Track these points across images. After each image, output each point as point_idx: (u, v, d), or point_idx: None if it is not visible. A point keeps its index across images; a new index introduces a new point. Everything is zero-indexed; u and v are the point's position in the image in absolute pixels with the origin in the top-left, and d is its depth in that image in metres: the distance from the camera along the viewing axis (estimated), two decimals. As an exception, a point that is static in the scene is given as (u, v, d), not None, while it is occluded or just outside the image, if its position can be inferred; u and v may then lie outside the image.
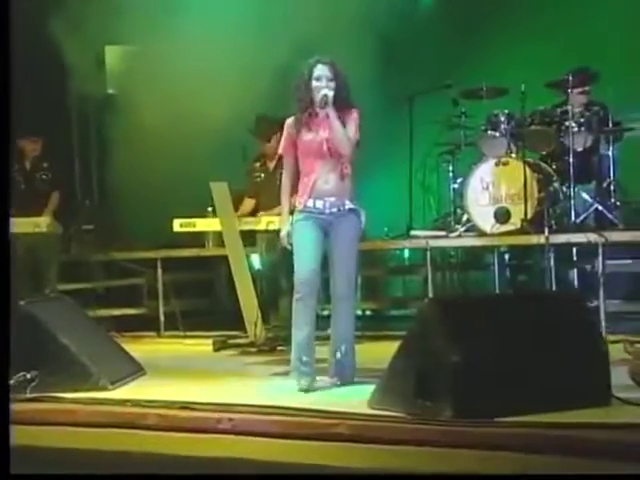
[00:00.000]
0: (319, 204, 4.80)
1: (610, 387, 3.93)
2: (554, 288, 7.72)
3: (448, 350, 3.71)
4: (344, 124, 4.76)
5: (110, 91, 9.12)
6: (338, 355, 4.90)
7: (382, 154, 8.96)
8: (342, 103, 4.78)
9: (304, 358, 4.82)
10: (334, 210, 4.81)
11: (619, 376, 4.25)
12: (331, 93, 4.73)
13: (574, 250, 7.72)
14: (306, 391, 4.72)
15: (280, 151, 5.04)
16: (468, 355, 3.72)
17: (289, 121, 4.92)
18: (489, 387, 3.74)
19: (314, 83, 4.79)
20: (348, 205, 4.84)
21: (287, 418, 3.99)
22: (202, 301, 8.79)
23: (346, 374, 4.89)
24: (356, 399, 4.30)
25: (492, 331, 3.81)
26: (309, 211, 4.82)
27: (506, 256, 8.84)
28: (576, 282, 7.87)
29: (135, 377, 5.19)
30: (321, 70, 4.79)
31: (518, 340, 3.83)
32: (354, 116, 4.81)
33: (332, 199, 4.80)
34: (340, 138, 4.73)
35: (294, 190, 4.97)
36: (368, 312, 8.41)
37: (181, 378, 5.34)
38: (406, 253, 8.71)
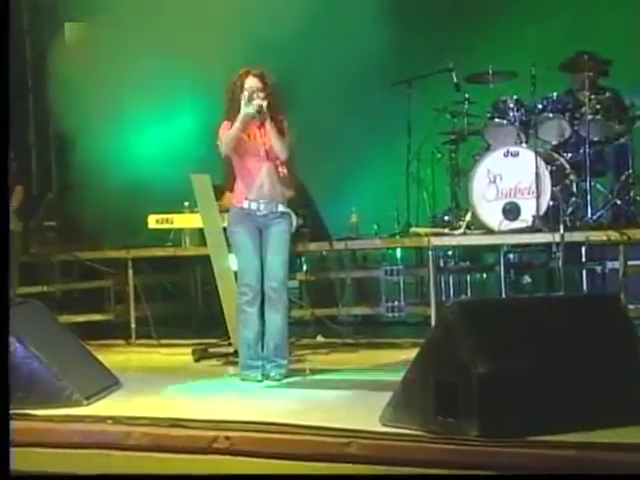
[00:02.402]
0: (254, 206, 5.52)
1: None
2: (562, 291, 7.74)
3: (474, 361, 3.63)
4: (280, 131, 5.46)
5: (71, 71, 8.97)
6: (274, 350, 5.55)
7: (370, 147, 8.95)
8: (273, 112, 5.45)
9: (253, 357, 5.53)
10: (267, 212, 5.53)
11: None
12: (264, 103, 5.41)
13: (582, 249, 7.69)
14: (259, 381, 5.47)
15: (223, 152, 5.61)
16: (496, 367, 3.64)
17: (225, 125, 5.52)
18: (519, 403, 3.67)
19: (246, 94, 5.45)
20: (281, 208, 5.55)
21: (292, 437, 3.91)
22: (178, 305, 8.66)
23: (282, 367, 5.55)
24: (362, 413, 4.22)
25: (523, 340, 3.74)
26: (245, 212, 5.53)
27: (511, 256, 8.83)
28: (585, 284, 7.85)
29: (111, 391, 5.08)
30: (252, 81, 5.47)
31: (551, 350, 3.76)
32: (284, 122, 5.51)
33: (266, 201, 5.52)
34: (279, 146, 5.48)
35: (230, 189, 5.73)
36: (360, 317, 8.34)
37: (162, 391, 5.23)
38: (398, 253, 8.65)
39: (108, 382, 5.14)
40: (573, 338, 3.79)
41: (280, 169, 5.57)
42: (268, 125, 5.44)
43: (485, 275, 8.59)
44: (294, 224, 5.67)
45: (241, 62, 8.07)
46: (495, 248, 7.89)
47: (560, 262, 8.10)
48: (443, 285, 8.35)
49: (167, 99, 7.95)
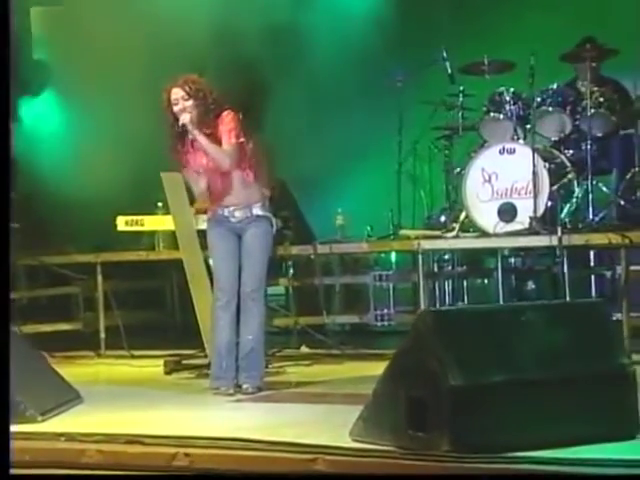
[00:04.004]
0: (226, 212, 5.73)
1: (637, 417, 3.96)
2: (568, 297, 7.82)
3: (445, 372, 3.72)
4: (219, 137, 5.57)
5: (36, 57, 9.08)
6: (247, 359, 5.68)
7: (364, 143, 9.04)
8: (209, 116, 5.59)
9: (224, 366, 5.65)
10: (242, 218, 5.71)
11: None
12: (188, 117, 5.54)
13: (591, 253, 7.77)
14: (231, 394, 5.56)
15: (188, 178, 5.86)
16: (469, 379, 3.72)
17: (171, 146, 5.72)
18: (494, 416, 3.76)
19: (174, 108, 5.60)
20: (257, 212, 5.71)
21: (255, 453, 4.00)
22: (151, 314, 8.78)
23: (255, 378, 5.69)
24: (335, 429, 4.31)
25: (499, 350, 3.83)
26: (219, 220, 5.75)
27: (512, 260, 8.92)
28: (594, 290, 7.93)
29: (70, 406, 5.17)
30: (175, 93, 5.62)
31: (529, 360, 3.85)
32: (226, 121, 5.60)
33: (239, 207, 5.70)
34: (215, 157, 5.61)
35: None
36: (347, 326, 8.43)
37: (126, 406, 5.33)
38: (393, 257, 8.74)
39: (67, 396, 5.23)
40: (552, 348, 3.88)
41: (246, 172, 5.72)
42: (200, 141, 5.55)
43: (486, 281, 8.67)
44: (274, 227, 5.81)
45: (219, 53, 8.28)
46: (493, 252, 7.99)
47: (565, 267, 8.23)
48: (438, 291, 8.47)
49: (139, 94, 8.03)
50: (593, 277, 7.94)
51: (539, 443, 3.75)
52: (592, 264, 7.88)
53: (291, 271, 8.59)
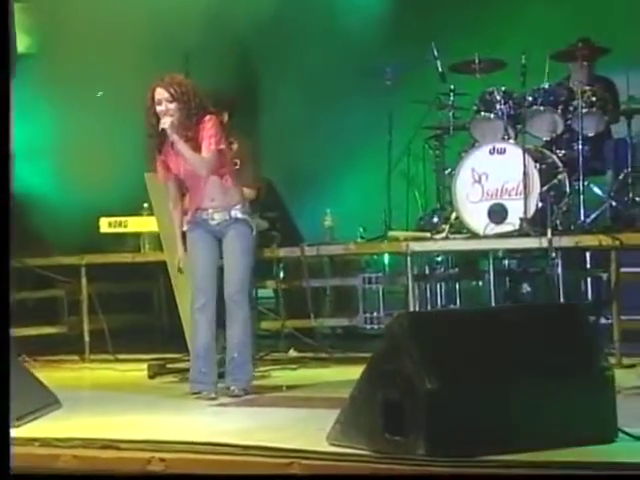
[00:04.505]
0: (205, 215, 5.82)
1: (615, 420, 4.01)
2: (562, 300, 7.86)
3: (422, 375, 3.78)
4: (200, 142, 5.63)
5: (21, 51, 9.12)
6: (233, 363, 5.78)
7: (357, 142, 9.09)
8: (191, 120, 5.64)
9: (203, 369, 5.74)
10: (221, 221, 5.80)
11: (636, 407, 4.39)
12: (169, 121, 5.59)
13: (587, 255, 7.81)
14: (213, 398, 5.63)
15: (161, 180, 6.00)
16: (446, 381, 3.78)
17: (151, 146, 5.80)
18: (470, 420, 3.81)
19: (157, 108, 5.66)
20: (236, 214, 5.78)
21: (230, 457, 4.06)
22: (138, 317, 8.82)
23: (241, 381, 5.78)
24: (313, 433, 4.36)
25: (476, 353, 3.88)
26: (198, 223, 5.84)
27: (506, 262, 8.96)
28: (590, 293, 7.98)
29: (48, 411, 5.21)
30: (160, 94, 5.67)
31: (506, 364, 3.90)
32: (207, 127, 5.66)
33: (217, 210, 5.79)
34: (193, 164, 5.68)
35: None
36: (339, 330, 8.48)
37: (106, 411, 5.39)
38: (386, 259, 8.79)
39: (45, 401, 5.26)
40: (529, 351, 3.94)
41: (225, 176, 5.80)
42: (178, 146, 5.61)
43: (481, 283, 8.72)
44: (254, 229, 5.86)
45: (206, 49, 8.33)
46: (485, 254, 8.04)
47: (559, 269, 8.28)
48: (430, 294, 8.52)
49: (125, 91, 8.08)
50: (590, 279, 7.96)
51: (516, 447, 3.81)
52: (588, 266, 7.91)
53: (282, 273, 8.66)
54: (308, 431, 4.50)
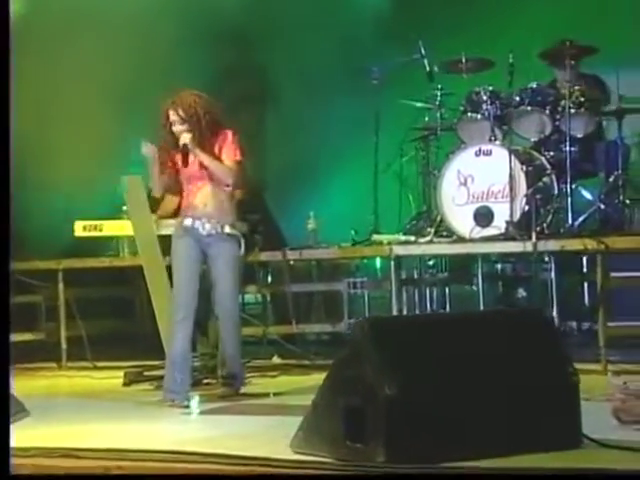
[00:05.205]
0: (197, 224, 6.00)
1: (580, 426, 4.08)
2: (556, 304, 7.92)
3: (381, 381, 3.84)
4: (219, 153, 5.95)
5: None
6: (225, 371, 6.13)
7: (348, 143, 9.15)
8: (204, 137, 5.93)
9: (178, 378, 5.92)
10: (212, 232, 6.00)
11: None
12: (188, 137, 5.90)
13: (584, 259, 7.85)
14: (186, 407, 5.78)
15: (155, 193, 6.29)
16: (406, 387, 3.84)
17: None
18: (431, 426, 3.87)
19: (173, 128, 5.96)
20: (227, 230, 6.00)
21: (190, 465, 4.12)
22: (118, 323, 8.85)
23: (236, 386, 6.10)
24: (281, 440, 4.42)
25: (437, 358, 3.94)
26: (187, 230, 6.01)
27: (499, 266, 9.02)
28: (586, 297, 8.03)
29: (14, 420, 5.24)
30: (172, 115, 5.97)
31: (468, 369, 3.96)
32: (228, 140, 6.01)
33: (211, 221, 5.98)
34: (219, 174, 5.97)
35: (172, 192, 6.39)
36: (325, 336, 8.53)
37: (74, 419, 5.46)
38: (378, 262, 8.84)
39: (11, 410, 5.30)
40: (493, 357, 4.00)
41: (221, 191, 6.04)
42: (202, 159, 5.93)
43: (475, 287, 8.77)
44: (242, 246, 6.09)
45: (193, 51, 8.41)
46: (484, 257, 8.10)
47: (552, 273, 8.34)
48: (417, 299, 8.59)
49: (102, 94, 8.17)
50: (586, 284, 8.01)
51: (478, 453, 3.87)
52: (585, 270, 7.95)
53: (269, 278, 8.72)
54: (276, 439, 4.55)
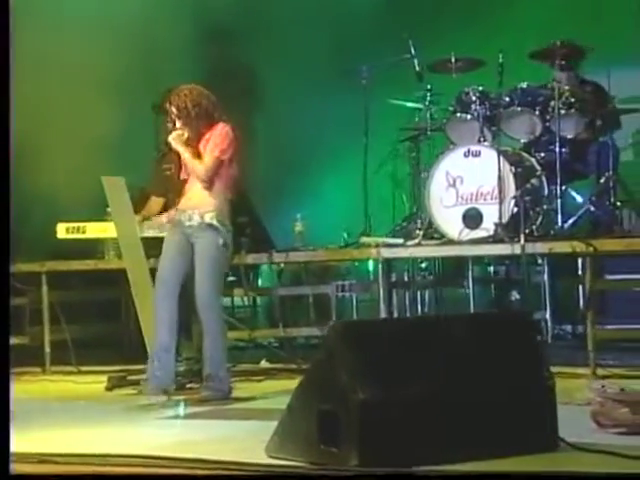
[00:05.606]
0: (183, 216, 6.20)
1: (556, 429, 4.11)
2: (549, 307, 7.95)
3: (354, 385, 3.87)
4: (200, 149, 6.13)
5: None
6: (208, 370, 6.12)
7: (338, 144, 9.19)
8: (194, 130, 6.14)
9: (158, 372, 6.10)
10: (194, 223, 6.15)
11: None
12: (174, 134, 6.15)
13: (579, 262, 7.86)
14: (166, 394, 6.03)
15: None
16: (379, 391, 3.88)
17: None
18: (406, 430, 3.91)
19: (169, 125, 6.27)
20: (208, 220, 6.11)
21: (162, 470, 4.15)
22: (103, 327, 8.85)
23: (217, 388, 6.10)
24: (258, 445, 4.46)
25: (411, 362, 3.98)
26: (174, 223, 6.26)
27: (491, 269, 9.06)
28: (581, 300, 8.05)
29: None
30: (170, 111, 6.22)
31: (442, 372, 4.00)
32: (214, 134, 6.14)
33: (194, 212, 6.14)
34: (192, 169, 6.18)
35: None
36: (314, 340, 8.56)
37: (52, 424, 5.48)
38: (370, 265, 8.87)
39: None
40: (468, 360, 4.03)
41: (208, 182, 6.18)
42: (180, 150, 6.17)
43: (468, 290, 8.81)
44: (222, 239, 6.15)
45: (183, 50, 8.45)
46: (477, 260, 8.14)
47: (545, 276, 8.38)
48: (407, 302, 8.63)
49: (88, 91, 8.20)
50: (581, 287, 8.02)
51: (454, 457, 3.91)
52: (580, 273, 7.97)
53: (259, 281, 8.76)
54: (254, 443, 4.58)
